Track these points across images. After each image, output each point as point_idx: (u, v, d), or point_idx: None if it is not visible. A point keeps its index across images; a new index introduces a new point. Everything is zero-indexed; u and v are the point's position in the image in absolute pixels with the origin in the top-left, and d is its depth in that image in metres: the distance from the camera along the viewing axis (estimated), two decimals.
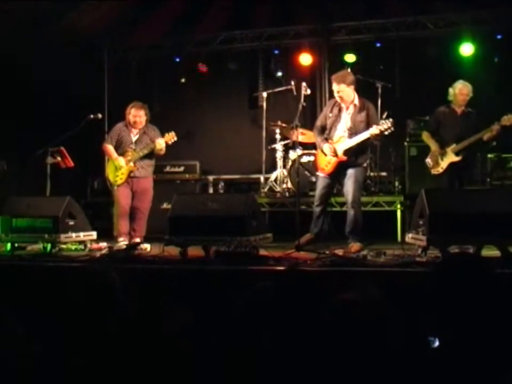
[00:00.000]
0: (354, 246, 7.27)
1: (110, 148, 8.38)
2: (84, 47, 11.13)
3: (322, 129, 7.71)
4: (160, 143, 8.18)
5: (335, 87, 7.48)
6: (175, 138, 8.34)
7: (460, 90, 8.04)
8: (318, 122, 7.84)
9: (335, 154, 7.43)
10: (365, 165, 7.82)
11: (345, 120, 7.54)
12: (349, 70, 9.88)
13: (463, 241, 6.08)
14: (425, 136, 8.27)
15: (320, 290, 2.89)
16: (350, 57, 11.13)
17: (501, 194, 6.57)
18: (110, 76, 12.34)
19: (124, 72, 12.32)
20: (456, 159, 7.83)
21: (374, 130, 7.19)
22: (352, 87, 7.50)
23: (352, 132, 7.44)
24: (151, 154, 8.36)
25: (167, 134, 8.31)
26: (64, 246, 7.78)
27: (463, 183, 7.84)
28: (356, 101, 7.54)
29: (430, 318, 2.51)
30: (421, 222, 6.41)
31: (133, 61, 12.35)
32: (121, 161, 8.22)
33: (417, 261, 6.08)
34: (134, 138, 8.37)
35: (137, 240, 8.09)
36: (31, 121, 10.38)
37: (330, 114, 7.64)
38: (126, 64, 12.35)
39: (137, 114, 8.33)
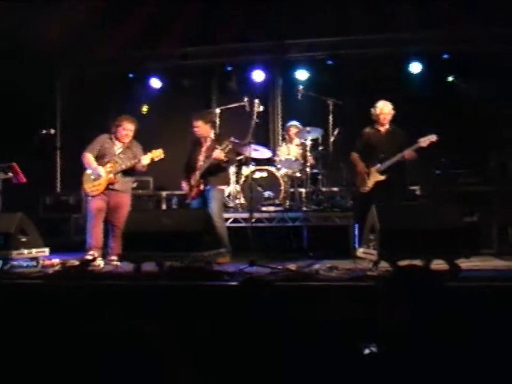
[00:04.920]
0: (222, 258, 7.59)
1: (89, 156, 8.10)
2: (38, 61, 11.03)
3: (188, 164, 8.53)
4: (146, 160, 8.01)
5: (193, 124, 8.38)
6: (162, 156, 8.11)
7: (381, 110, 8.38)
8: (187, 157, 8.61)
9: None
10: (221, 187, 8.45)
11: (203, 151, 8.41)
12: (301, 87, 10.06)
13: (412, 256, 6.19)
14: (353, 157, 8.64)
15: (273, 304, 2.95)
16: (302, 74, 11.31)
17: (448, 210, 6.71)
18: (63, 90, 12.28)
19: (78, 87, 12.26)
20: (381, 178, 8.24)
21: (217, 153, 8.06)
22: (209, 125, 8.45)
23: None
24: (132, 170, 8.16)
25: (154, 150, 8.08)
26: (15, 263, 7.60)
27: (392, 201, 8.05)
28: (212, 136, 8.46)
29: (378, 327, 2.58)
30: (371, 237, 6.53)
31: (87, 76, 12.29)
32: (101, 170, 7.98)
33: (368, 274, 6.20)
34: (117, 151, 8.17)
35: (113, 257, 7.81)
36: None
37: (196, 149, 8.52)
38: (81, 79, 12.29)
39: (129, 128, 8.13)
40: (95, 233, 8.01)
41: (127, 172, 8.16)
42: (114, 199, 8.11)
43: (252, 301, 2.81)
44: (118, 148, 8.21)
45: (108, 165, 8.07)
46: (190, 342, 2.95)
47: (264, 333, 2.53)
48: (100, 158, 8.14)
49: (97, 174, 8.00)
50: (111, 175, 8.02)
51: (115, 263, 7.62)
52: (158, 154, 8.10)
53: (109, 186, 8.04)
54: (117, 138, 8.21)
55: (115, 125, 8.22)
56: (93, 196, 8.05)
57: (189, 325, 3.67)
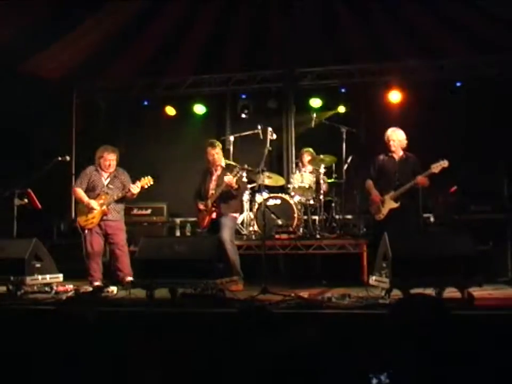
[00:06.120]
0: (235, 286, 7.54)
1: (80, 191, 8.36)
2: (52, 89, 11.17)
3: (198, 194, 8.54)
4: (136, 188, 8.18)
5: (211, 150, 8.41)
6: (152, 183, 8.30)
7: (389, 137, 8.32)
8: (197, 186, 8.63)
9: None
10: (233, 214, 8.45)
11: (214, 179, 8.45)
12: (314, 115, 10.10)
13: (425, 284, 6.18)
14: (368, 185, 8.53)
15: (283, 331, 2.96)
16: (315, 102, 11.37)
17: (461, 238, 6.67)
18: (78, 117, 12.38)
19: (92, 114, 12.39)
20: (395, 205, 8.14)
21: (229, 178, 8.06)
22: (221, 152, 8.54)
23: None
24: (122, 198, 8.37)
25: (143, 178, 8.25)
26: (29, 289, 7.61)
27: (407, 228, 8.01)
28: (223, 164, 8.49)
29: (385, 357, 2.58)
30: (384, 265, 6.50)
31: (101, 103, 12.44)
32: (93, 204, 8.20)
33: (381, 303, 6.17)
34: (105, 182, 8.39)
35: (129, 279, 7.91)
36: None
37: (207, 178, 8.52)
38: (94, 106, 12.43)
39: (110, 158, 8.37)
40: (96, 265, 8.28)
41: (118, 201, 8.36)
42: (110, 228, 8.33)
43: (251, 328, 2.81)
44: (105, 178, 8.44)
45: (100, 197, 8.29)
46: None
47: (265, 359, 2.54)
48: (91, 191, 8.38)
49: (91, 207, 8.22)
50: (104, 207, 8.24)
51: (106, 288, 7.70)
52: (147, 181, 8.28)
53: (103, 218, 8.26)
54: (102, 169, 8.43)
55: (97, 157, 8.46)
56: (89, 229, 8.25)
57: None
